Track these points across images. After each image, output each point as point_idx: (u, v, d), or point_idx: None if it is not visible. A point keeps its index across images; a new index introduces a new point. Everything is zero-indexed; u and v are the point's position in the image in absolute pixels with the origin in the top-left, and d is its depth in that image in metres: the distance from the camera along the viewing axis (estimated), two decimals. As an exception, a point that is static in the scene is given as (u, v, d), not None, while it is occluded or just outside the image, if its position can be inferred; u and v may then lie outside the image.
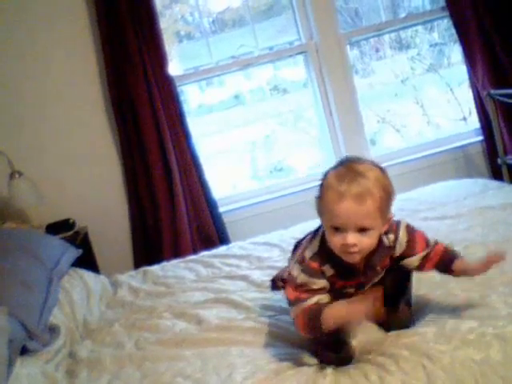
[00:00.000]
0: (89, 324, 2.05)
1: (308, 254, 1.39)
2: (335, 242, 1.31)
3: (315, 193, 1.38)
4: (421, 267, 1.48)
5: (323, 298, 1.37)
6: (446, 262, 1.46)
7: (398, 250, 1.45)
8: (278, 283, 1.68)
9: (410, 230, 1.47)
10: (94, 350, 1.83)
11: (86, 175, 3.19)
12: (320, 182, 1.36)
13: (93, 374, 1.66)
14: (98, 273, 2.65)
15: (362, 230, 1.29)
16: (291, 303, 1.40)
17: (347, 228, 1.28)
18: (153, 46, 3.04)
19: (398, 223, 1.46)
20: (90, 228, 3.09)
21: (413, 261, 1.47)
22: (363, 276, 1.44)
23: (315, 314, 1.34)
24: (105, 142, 3.19)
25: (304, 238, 1.52)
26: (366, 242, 1.31)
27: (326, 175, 1.36)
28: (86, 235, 3.03)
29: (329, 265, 1.37)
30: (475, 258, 1.50)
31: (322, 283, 1.37)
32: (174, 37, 3.51)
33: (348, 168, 1.32)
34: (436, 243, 1.49)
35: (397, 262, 1.49)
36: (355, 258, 1.35)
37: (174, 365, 1.59)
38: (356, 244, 1.29)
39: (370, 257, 1.40)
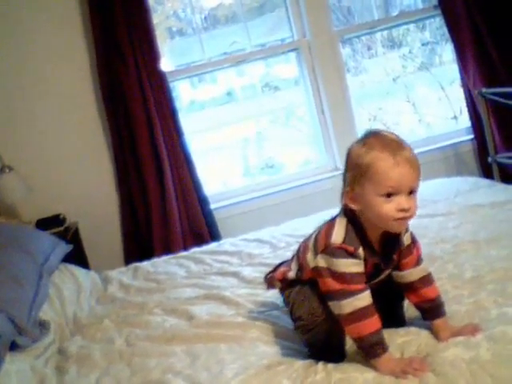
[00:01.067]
0: (79, 320, 2.04)
1: (337, 239, 1.35)
2: (387, 209, 1.30)
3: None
4: (412, 290, 1.46)
5: (368, 296, 1.34)
6: (429, 313, 1.44)
7: (403, 246, 1.45)
8: (273, 282, 1.63)
9: (414, 238, 1.48)
10: (84, 345, 1.82)
11: (77, 171, 3.18)
12: (353, 160, 1.35)
13: (82, 370, 1.65)
14: (88, 269, 2.64)
15: (410, 193, 1.31)
16: (336, 296, 1.33)
17: (401, 191, 1.30)
18: (145, 42, 3.03)
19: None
20: (80, 224, 3.08)
21: (407, 274, 1.46)
22: (382, 262, 1.42)
23: (382, 343, 1.32)
24: (96, 138, 3.18)
25: (309, 238, 1.49)
26: (415, 205, 1.33)
27: (359, 151, 1.33)
28: (76, 231, 3.02)
29: (361, 247, 1.36)
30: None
31: (361, 264, 1.35)
32: (166, 33, 3.50)
33: (385, 138, 1.34)
34: (434, 280, 1.47)
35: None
36: (404, 225, 1.36)
37: (164, 361, 1.58)
38: (410, 207, 1.31)
39: (387, 241, 1.41)
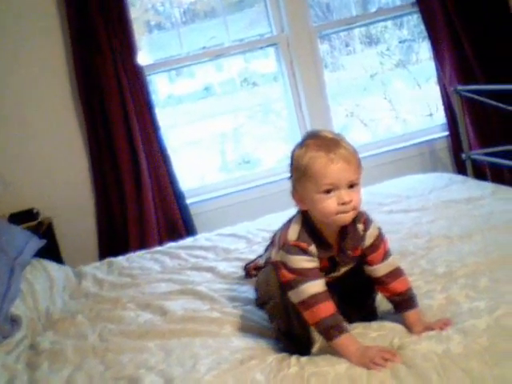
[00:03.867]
0: (51, 315, 2.01)
1: (292, 236, 1.43)
2: (329, 204, 1.36)
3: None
4: (381, 284, 1.50)
5: (322, 283, 1.39)
6: (400, 305, 1.48)
7: (366, 243, 1.49)
8: (250, 272, 1.73)
9: (381, 237, 1.51)
10: (56, 341, 1.79)
11: (52, 165, 3.14)
12: (294, 162, 1.42)
13: (54, 366, 1.63)
14: (62, 264, 2.61)
15: (351, 186, 1.37)
16: (290, 285, 1.39)
17: (340, 186, 1.36)
18: (122, 36, 3.01)
19: (368, 218, 1.51)
20: (54, 218, 3.04)
21: (374, 270, 1.50)
22: (338, 256, 1.47)
23: (338, 325, 1.36)
24: (71, 132, 3.14)
25: (277, 233, 1.55)
26: (357, 197, 1.39)
27: (299, 153, 1.41)
28: (50, 226, 2.98)
29: (313, 244, 1.42)
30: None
31: (314, 260, 1.41)
32: (145, 27, 3.47)
33: (321, 138, 1.41)
34: (404, 274, 1.51)
35: (361, 264, 1.52)
36: (348, 218, 1.40)
37: (138, 356, 1.57)
38: (351, 200, 1.36)
39: (343, 237, 1.46)
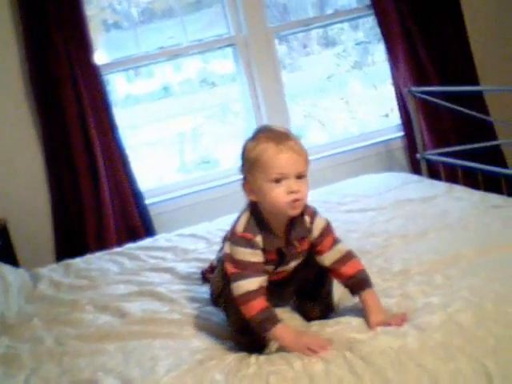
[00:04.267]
0: (6, 319, 1.96)
1: (239, 228, 1.48)
2: (278, 193, 1.41)
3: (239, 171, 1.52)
4: (333, 272, 1.56)
5: (264, 280, 1.45)
6: (353, 288, 1.53)
7: (314, 235, 1.54)
8: (207, 275, 1.75)
9: (329, 228, 1.56)
10: (11, 345, 1.75)
11: (5, 166, 3.06)
12: (245, 154, 1.48)
13: (9, 371, 1.59)
14: (17, 267, 2.56)
15: (299, 177, 1.43)
16: (232, 279, 1.45)
17: (289, 176, 1.41)
18: (77, 34, 2.95)
19: (315, 211, 1.57)
20: (9, 220, 2.97)
21: (323, 259, 1.55)
22: (285, 248, 1.52)
23: (271, 318, 1.42)
24: (26, 132, 3.06)
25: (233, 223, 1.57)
26: (305, 188, 1.44)
27: (250, 145, 1.47)
28: (4, 228, 2.91)
29: (260, 235, 1.46)
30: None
31: (258, 254, 1.46)
32: (102, 25, 3.42)
33: (272, 131, 1.49)
34: (354, 257, 1.56)
35: (312, 256, 1.57)
36: (298, 208, 1.45)
37: (96, 359, 1.56)
38: (299, 190, 1.41)
39: (290, 229, 1.51)
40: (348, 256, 1.54)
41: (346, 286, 1.54)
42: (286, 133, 1.48)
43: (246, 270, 1.44)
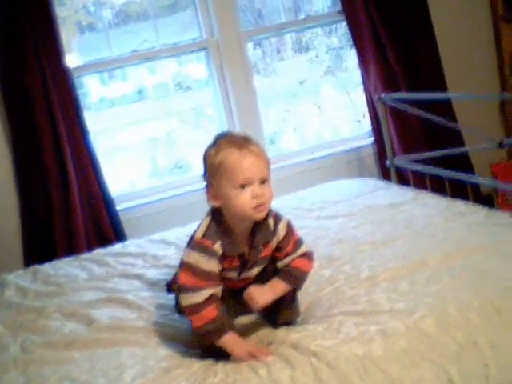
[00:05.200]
0: (-30, 327, 1.93)
1: (198, 234, 1.49)
2: (243, 198, 1.43)
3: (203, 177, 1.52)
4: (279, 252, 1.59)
5: (216, 291, 1.46)
6: (284, 273, 1.56)
7: (277, 239, 1.56)
8: (173, 286, 1.72)
9: (290, 228, 1.59)
10: (-25, 354, 1.73)
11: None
12: (208, 160, 1.48)
13: (-28, 381, 1.57)
14: (-16, 273, 2.52)
15: (262, 182, 1.45)
16: (182, 289, 1.46)
17: (253, 181, 1.43)
18: (48, 36, 2.92)
19: (277, 213, 1.58)
20: (-24, 225, 2.93)
21: (284, 262, 1.58)
22: (248, 254, 1.53)
23: (217, 330, 1.44)
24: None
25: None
26: (269, 192, 1.47)
27: (211, 152, 1.47)
28: (-29, 233, 2.87)
29: (220, 242, 1.47)
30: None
31: (213, 263, 1.46)
32: (75, 27, 3.38)
33: (233, 136, 1.52)
34: (311, 259, 1.60)
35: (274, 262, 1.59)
36: (263, 212, 1.47)
37: (61, 368, 1.54)
38: (264, 194, 1.44)
39: (255, 234, 1.52)
40: (306, 255, 1.58)
41: (278, 265, 1.58)
42: (247, 138, 1.49)
43: (198, 280, 1.44)
